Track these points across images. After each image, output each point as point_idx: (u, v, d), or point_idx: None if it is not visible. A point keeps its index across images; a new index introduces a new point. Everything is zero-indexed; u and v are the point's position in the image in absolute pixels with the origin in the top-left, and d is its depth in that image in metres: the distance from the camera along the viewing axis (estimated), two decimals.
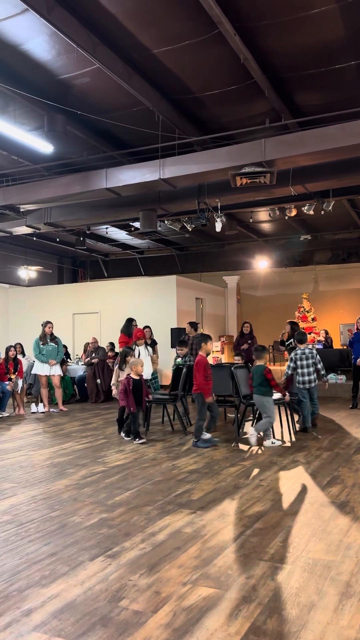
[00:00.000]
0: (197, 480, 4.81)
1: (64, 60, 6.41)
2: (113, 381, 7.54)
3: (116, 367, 7.42)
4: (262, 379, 6.51)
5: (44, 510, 4.04)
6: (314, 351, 7.41)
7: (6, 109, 7.44)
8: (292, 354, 7.43)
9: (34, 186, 9.15)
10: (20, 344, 10.84)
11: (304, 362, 7.26)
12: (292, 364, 7.35)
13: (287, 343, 9.22)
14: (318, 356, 7.38)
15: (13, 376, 9.52)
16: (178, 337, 11.15)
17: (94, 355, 11.28)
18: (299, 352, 7.33)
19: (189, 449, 6.21)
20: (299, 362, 7.28)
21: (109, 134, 8.56)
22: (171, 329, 12.87)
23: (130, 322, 9.80)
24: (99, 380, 10.97)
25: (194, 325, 10.36)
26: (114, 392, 7.45)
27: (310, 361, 7.29)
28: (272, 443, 6.38)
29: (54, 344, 9.79)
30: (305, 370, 7.25)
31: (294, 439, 6.77)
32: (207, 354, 6.72)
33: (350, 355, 11.82)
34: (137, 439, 6.67)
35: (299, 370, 7.27)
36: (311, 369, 7.26)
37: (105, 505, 4.15)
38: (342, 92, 7.29)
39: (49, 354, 9.68)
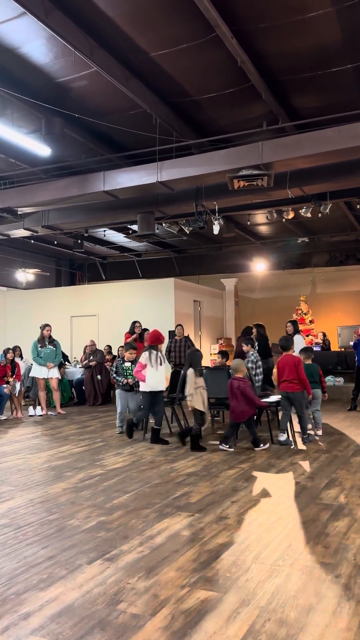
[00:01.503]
0: (195, 483, 4.80)
1: (61, 64, 6.42)
2: (191, 390, 6.31)
3: (189, 373, 6.37)
4: (319, 375, 7.15)
5: (42, 514, 4.03)
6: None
7: (4, 112, 7.45)
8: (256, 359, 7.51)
9: (32, 189, 9.15)
10: (18, 347, 10.82)
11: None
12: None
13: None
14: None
15: (11, 379, 9.51)
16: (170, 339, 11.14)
17: (91, 358, 11.27)
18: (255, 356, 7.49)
19: (187, 452, 6.20)
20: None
21: (107, 136, 8.57)
22: (169, 331, 12.84)
23: (133, 323, 9.84)
24: (99, 377, 10.96)
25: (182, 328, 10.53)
26: (191, 404, 6.30)
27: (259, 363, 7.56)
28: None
29: (52, 347, 9.79)
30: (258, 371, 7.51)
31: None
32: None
33: (349, 357, 11.86)
34: (263, 444, 6.32)
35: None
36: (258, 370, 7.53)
37: (103, 508, 4.14)
38: (339, 95, 7.31)
39: (47, 357, 9.66)
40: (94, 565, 3.08)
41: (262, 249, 16.27)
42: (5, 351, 9.72)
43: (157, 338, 6.92)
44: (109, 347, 12.14)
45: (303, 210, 10.35)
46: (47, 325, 9.91)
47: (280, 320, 15.00)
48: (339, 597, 2.66)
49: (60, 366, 10.70)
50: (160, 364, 6.81)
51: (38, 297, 15.40)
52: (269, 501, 4.25)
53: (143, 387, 6.79)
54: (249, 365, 7.22)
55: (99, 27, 5.80)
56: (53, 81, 6.79)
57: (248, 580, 2.86)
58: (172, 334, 11.63)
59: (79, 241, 13.41)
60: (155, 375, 6.75)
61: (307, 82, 6.96)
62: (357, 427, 7.76)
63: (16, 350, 10.46)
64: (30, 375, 10.13)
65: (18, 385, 9.68)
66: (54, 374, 9.73)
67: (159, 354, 6.87)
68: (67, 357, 12.41)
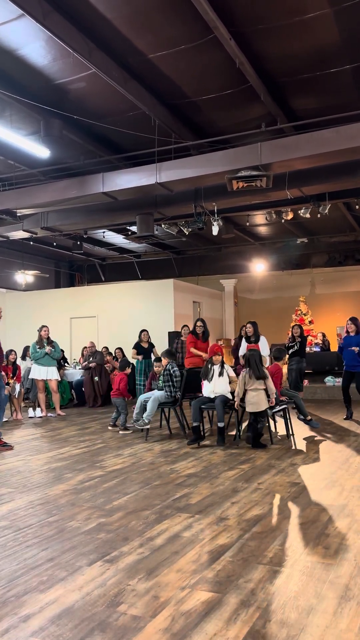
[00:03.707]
0: (195, 484, 4.80)
1: (60, 66, 6.42)
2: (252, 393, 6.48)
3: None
4: None
5: (42, 516, 4.03)
6: None
7: (2, 114, 7.45)
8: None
9: (31, 191, 9.16)
10: (28, 346, 10.88)
11: None
12: None
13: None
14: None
15: (11, 381, 9.50)
16: (175, 340, 11.11)
17: (91, 359, 11.26)
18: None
19: (187, 453, 6.20)
20: None
21: (106, 138, 8.58)
22: (168, 332, 12.87)
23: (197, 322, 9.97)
24: (96, 378, 10.95)
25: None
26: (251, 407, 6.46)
27: None
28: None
29: (50, 348, 9.79)
30: None
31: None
32: None
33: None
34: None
35: None
36: None
37: (103, 509, 4.14)
38: (337, 96, 7.33)
39: (46, 360, 9.68)
40: (94, 567, 3.08)
41: (261, 249, 16.29)
42: (8, 352, 9.72)
43: (211, 351, 7.00)
44: (106, 348, 12.15)
45: (302, 211, 10.36)
46: (44, 326, 9.91)
47: (280, 321, 15.05)
48: (340, 597, 2.66)
49: (60, 368, 10.70)
50: (218, 376, 6.75)
51: (37, 299, 15.40)
52: (269, 502, 4.24)
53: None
54: None
55: (97, 29, 5.81)
56: (52, 83, 6.80)
57: (248, 581, 2.86)
58: (173, 334, 11.61)
59: (78, 242, 13.42)
60: (206, 386, 6.85)
61: (305, 83, 6.97)
62: (357, 427, 7.76)
63: (27, 350, 10.89)
64: (29, 377, 10.13)
65: (18, 386, 9.67)
66: (53, 375, 9.73)
67: (213, 367, 6.83)
68: (66, 359, 12.41)
